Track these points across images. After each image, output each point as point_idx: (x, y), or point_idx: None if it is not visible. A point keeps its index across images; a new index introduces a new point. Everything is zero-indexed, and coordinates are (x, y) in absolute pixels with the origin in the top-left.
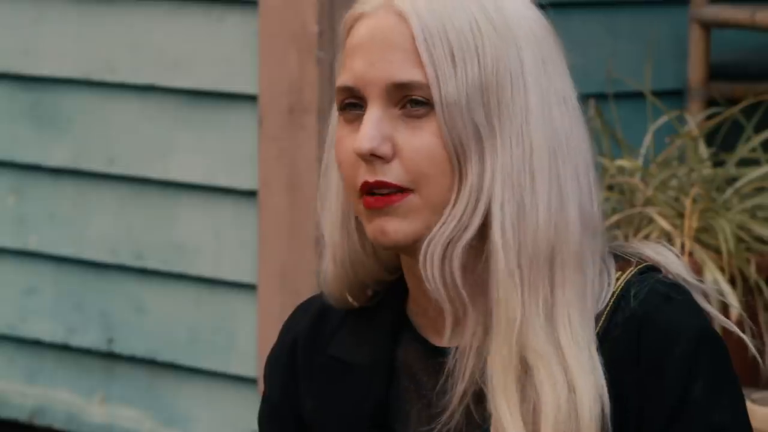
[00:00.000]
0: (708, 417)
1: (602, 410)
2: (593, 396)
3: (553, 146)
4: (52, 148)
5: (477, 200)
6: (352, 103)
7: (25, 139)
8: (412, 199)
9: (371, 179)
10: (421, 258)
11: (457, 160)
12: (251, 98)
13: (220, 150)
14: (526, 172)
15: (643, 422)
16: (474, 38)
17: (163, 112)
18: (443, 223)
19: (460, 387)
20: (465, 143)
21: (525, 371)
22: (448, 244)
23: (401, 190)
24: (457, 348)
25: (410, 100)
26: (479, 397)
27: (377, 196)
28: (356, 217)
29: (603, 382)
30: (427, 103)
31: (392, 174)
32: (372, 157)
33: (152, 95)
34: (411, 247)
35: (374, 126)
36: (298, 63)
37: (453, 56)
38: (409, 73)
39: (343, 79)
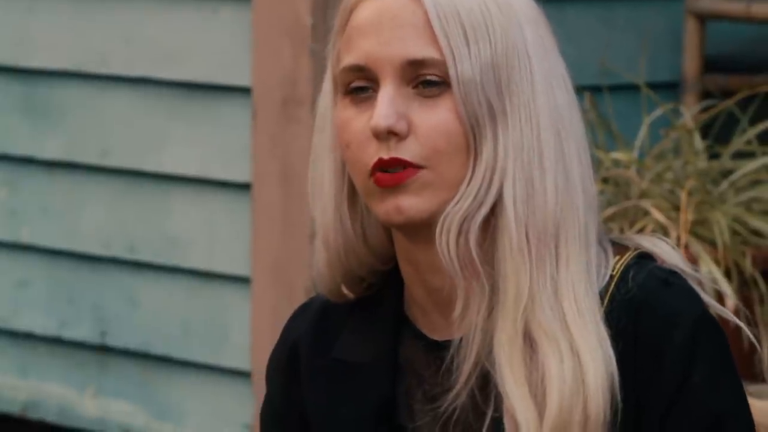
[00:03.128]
0: (709, 402)
1: (611, 382)
2: (600, 369)
3: (557, 124)
4: (45, 141)
5: (491, 177)
6: (360, 86)
7: (17, 132)
8: (425, 174)
9: (386, 156)
10: (437, 233)
11: (473, 137)
12: (245, 91)
13: (213, 143)
14: (534, 149)
15: (642, 406)
16: (483, 17)
17: (157, 104)
18: (459, 200)
19: (466, 366)
20: (480, 121)
21: (531, 346)
22: (464, 219)
23: (414, 167)
24: (461, 338)
25: (424, 80)
26: (484, 382)
27: (390, 173)
28: (349, 204)
29: (611, 353)
30: (441, 83)
31: (407, 151)
32: (388, 135)
33: (146, 88)
34: (423, 225)
35: (390, 103)
36: (291, 55)
37: (466, 34)
38: (423, 51)
39: (351, 58)
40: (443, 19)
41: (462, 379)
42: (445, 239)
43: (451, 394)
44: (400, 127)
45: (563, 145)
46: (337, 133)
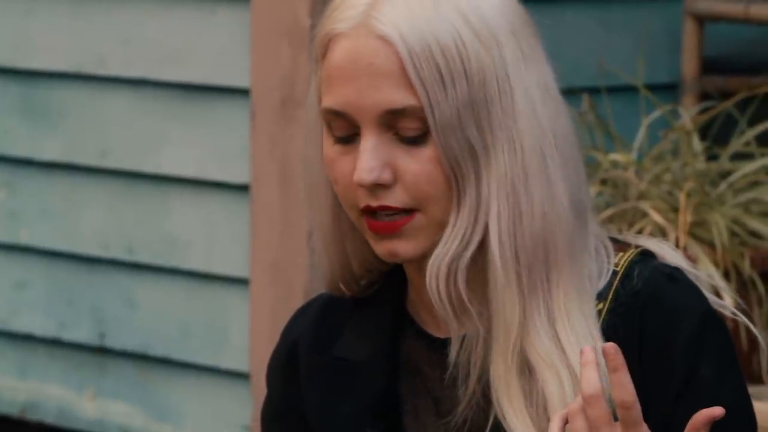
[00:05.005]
0: (716, 395)
1: (610, 399)
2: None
3: (540, 144)
4: (43, 142)
5: (476, 216)
6: (342, 136)
7: (16, 133)
8: (418, 218)
9: (374, 204)
10: (427, 278)
11: (455, 180)
12: (243, 92)
13: (212, 144)
14: (519, 177)
15: (649, 401)
16: (459, 53)
17: (155, 105)
18: (446, 243)
19: (473, 376)
20: (462, 162)
21: (528, 373)
22: (452, 262)
23: (406, 212)
24: (464, 336)
25: (403, 127)
26: (486, 386)
27: (383, 221)
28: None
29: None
30: (421, 129)
31: (395, 198)
32: (374, 186)
33: (144, 89)
34: (422, 260)
35: (372, 156)
36: (290, 57)
37: (442, 77)
38: (401, 100)
39: (330, 102)
40: (418, 65)
41: (471, 389)
42: (435, 284)
43: (463, 404)
44: (385, 177)
45: (548, 164)
46: (325, 166)
